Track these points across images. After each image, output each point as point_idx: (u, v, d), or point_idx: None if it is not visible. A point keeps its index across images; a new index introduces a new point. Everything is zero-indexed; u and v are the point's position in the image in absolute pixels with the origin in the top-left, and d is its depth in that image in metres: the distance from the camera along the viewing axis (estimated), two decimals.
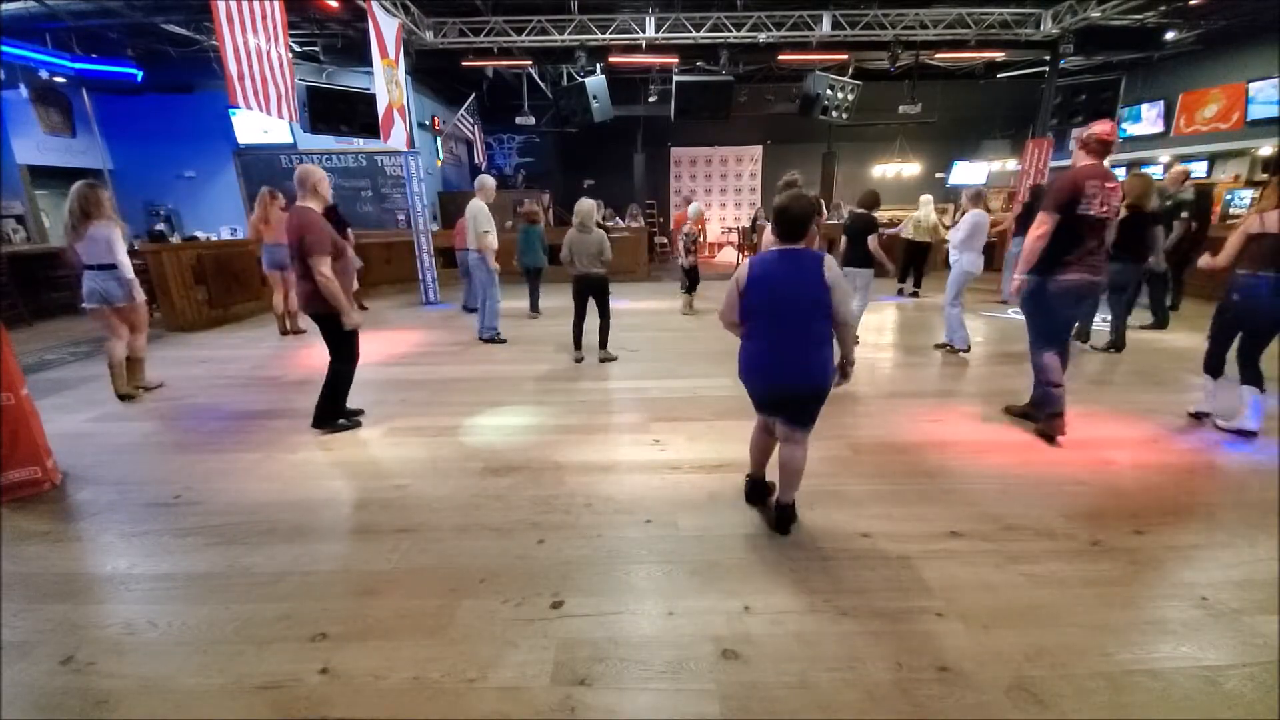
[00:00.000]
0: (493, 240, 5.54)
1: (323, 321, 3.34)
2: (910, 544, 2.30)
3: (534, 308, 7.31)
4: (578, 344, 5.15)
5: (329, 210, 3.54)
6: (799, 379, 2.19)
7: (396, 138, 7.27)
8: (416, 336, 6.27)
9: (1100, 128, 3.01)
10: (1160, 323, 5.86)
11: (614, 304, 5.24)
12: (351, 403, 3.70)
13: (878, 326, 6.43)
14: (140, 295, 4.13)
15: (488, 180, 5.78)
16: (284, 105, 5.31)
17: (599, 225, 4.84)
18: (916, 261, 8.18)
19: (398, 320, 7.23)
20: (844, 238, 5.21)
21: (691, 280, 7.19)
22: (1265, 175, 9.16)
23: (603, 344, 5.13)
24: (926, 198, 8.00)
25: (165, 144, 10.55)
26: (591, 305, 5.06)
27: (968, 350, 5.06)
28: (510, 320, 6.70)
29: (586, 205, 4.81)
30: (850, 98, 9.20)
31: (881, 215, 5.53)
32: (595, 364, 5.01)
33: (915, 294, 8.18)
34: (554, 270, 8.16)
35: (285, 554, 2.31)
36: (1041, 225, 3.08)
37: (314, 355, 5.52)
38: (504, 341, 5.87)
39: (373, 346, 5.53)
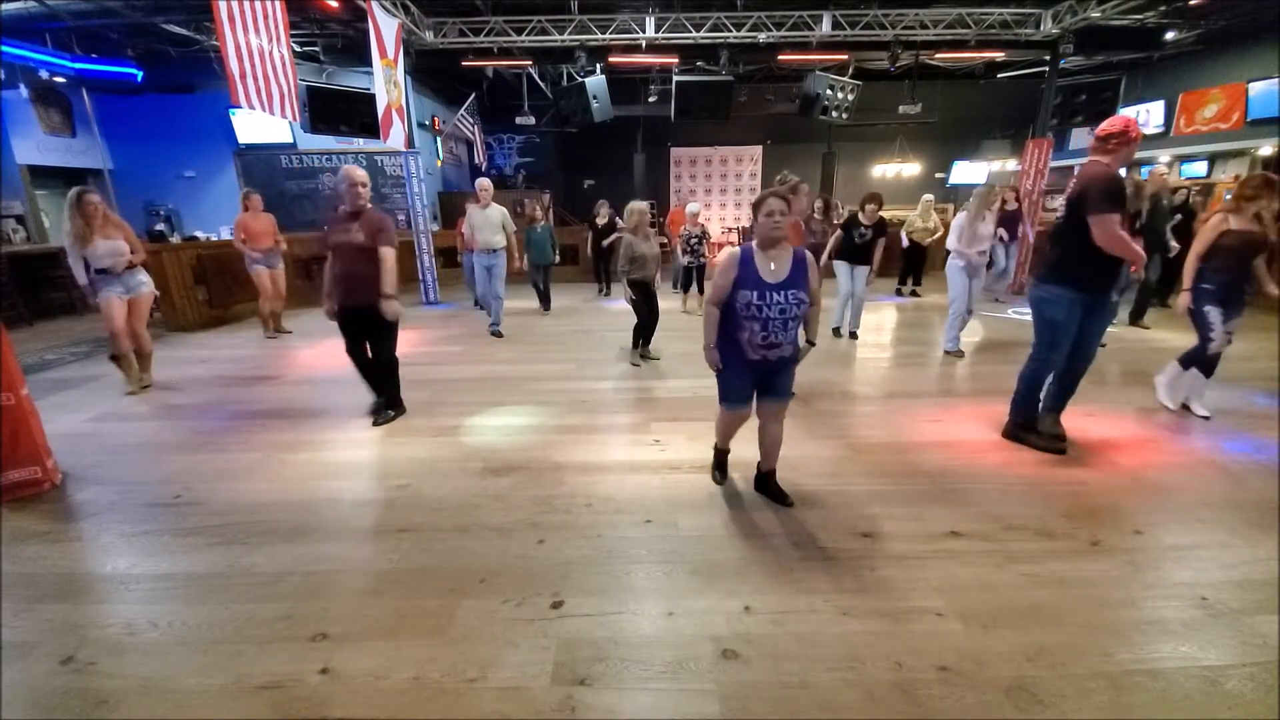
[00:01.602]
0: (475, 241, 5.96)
1: None
2: (910, 544, 2.30)
3: (544, 304, 7.44)
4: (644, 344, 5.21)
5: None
6: None
7: (395, 138, 7.28)
8: (416, 336, 6.26)
9: (1104, 126, 2.76)
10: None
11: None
12: (352, 401, 3.70)
13: (877, 326, 6.43)
14: (92, 300, 4.26)
15: (478, 183, 5.98)
16: (286, 105, 5.30)
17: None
18: (914, 262, 8.24)
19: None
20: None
21: (688, 280, 7.18)
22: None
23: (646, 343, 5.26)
24: (924, 198, 8.11)
25: (165, 144, 10.53)
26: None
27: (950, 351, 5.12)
28: (519, 319, 6.75)
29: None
30: (850, 98, 9.20)
31: (885, 214, 5.68)
32: (595, 364, 5.01)
33: (915, 293, 8.26)
34: (558, 270, 8.20)
35: (285, 554, 2.31)
36: None
37: (312, 355, 5.55)
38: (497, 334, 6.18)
39: None
